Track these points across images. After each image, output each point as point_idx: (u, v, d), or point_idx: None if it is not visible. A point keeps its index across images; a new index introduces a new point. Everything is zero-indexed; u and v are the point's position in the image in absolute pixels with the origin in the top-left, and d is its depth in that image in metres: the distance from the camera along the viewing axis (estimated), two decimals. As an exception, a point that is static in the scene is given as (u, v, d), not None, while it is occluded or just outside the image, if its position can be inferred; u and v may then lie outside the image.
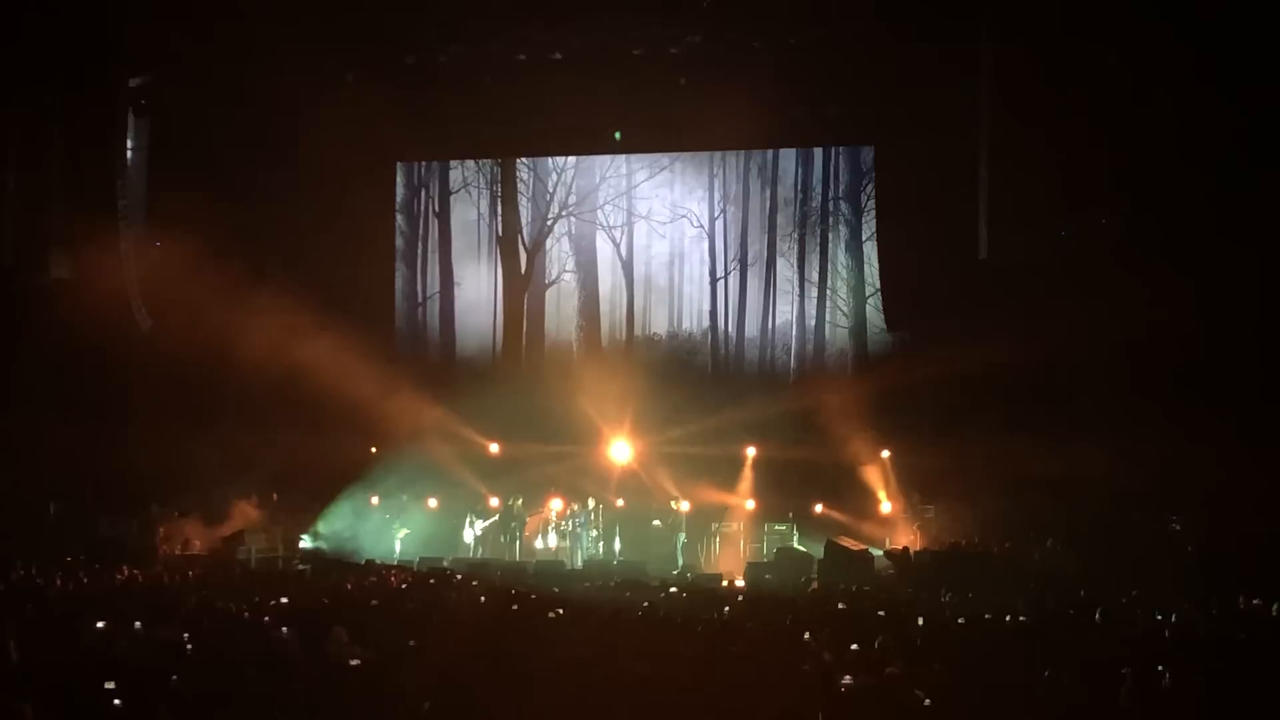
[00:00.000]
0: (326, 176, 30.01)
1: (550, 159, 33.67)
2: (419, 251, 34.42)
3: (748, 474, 29.27)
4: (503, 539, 29.07)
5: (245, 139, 30.08)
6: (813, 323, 32.43)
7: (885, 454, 28.73)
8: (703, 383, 31.32)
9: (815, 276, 32.48)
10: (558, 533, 29.10)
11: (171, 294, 29.12)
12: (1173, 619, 16.83)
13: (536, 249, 33.70)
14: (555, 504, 29.24)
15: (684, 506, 28.74)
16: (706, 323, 33.13)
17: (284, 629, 13.39)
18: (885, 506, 28.62)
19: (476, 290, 34.13)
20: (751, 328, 32.85)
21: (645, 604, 17.68)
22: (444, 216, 34.28)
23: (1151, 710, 10.88)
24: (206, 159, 30.17)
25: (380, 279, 33.89)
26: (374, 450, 30.02)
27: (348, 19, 29.20)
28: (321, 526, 28.78)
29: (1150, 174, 26.88)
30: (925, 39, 28.69)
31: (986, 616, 17.19)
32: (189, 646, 12.52)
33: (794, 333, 32.56)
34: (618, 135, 32.23)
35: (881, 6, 28.76)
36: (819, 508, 28.57)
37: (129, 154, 31.61)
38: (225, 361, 27.52)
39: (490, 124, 31.68)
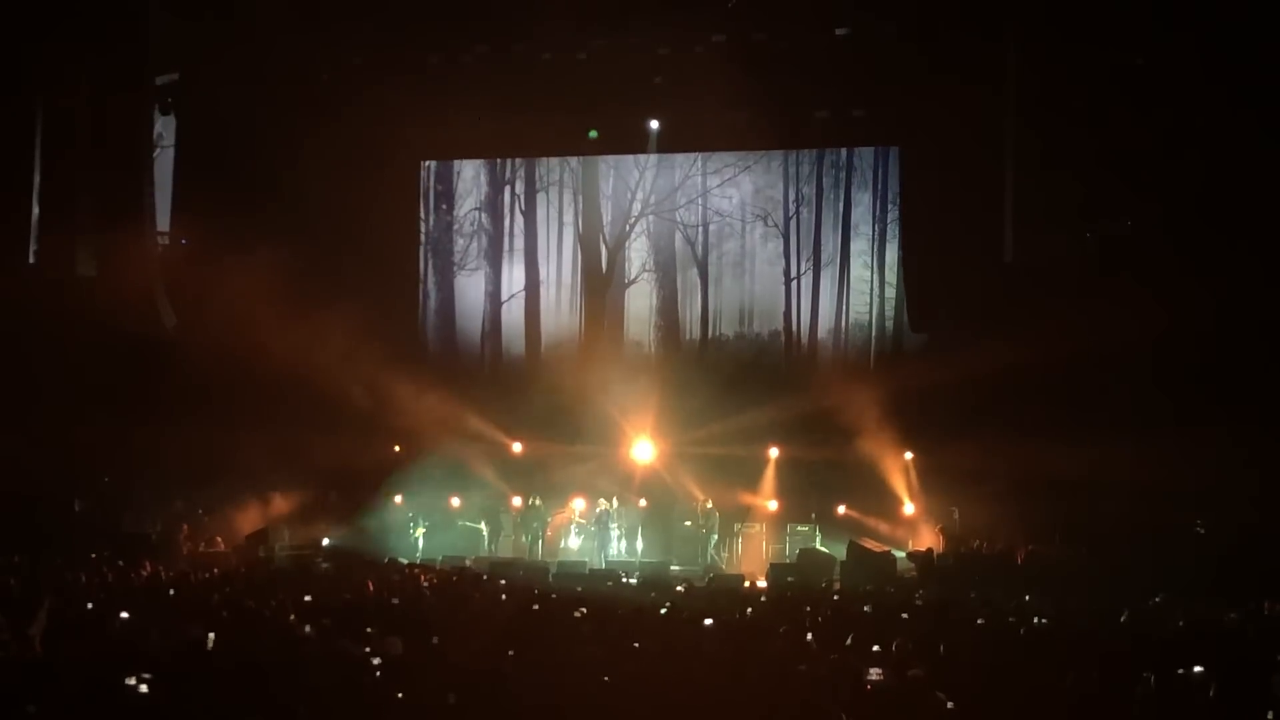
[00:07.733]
0: (352, 175, 30.08)
1: (633, 157, 33.37)
2: (501, 249, 34.25)
3: (770, 474, 29.25)
4: (524, 539, 29.07)
5: (271, 137, 30.19)
6: (891, 324, 32.11)
7: (908, 455, 28.65)
8: (775, 382, 30.95)
9: (893, 277, 32.02)
10: (581, 532, 29.09)
11: (196, 292, 29.26)
12: (1197, 622, 16.76)
13: (618, 248, 33.62)
14: (578, 504, 29.22)
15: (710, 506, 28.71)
16: (777, 323, 32.87)
17: (307, 627, 13.43)
18: (908, 508, 28.54)
19: (546, 289, 34.08)
20: (824, 328, 32.56)
21: (668, 604, 17.66)
22: (530, 215, 34.17)
23: (1174, 714, 10.83)
24: (232, 157, 30.35)
25: (406, 276, 33.96)
26: (398, 449, 30.07)
27: (371, 19, 29.32)
28: (345, 525, 28.77)
29: (1175, 176, 26.81)
30: (951, 41, 28.68)
31: (1010, 619, 17.13)
32: (212, 643, 12.54)
33: (873, 333, 32.23)
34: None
35: (907, 8, 28.71)
36: (842, 509, 28.53)
37: (155, 151, 31.76)
38: (249, 359, 27.53)
39: (514, 123, 31.54)
